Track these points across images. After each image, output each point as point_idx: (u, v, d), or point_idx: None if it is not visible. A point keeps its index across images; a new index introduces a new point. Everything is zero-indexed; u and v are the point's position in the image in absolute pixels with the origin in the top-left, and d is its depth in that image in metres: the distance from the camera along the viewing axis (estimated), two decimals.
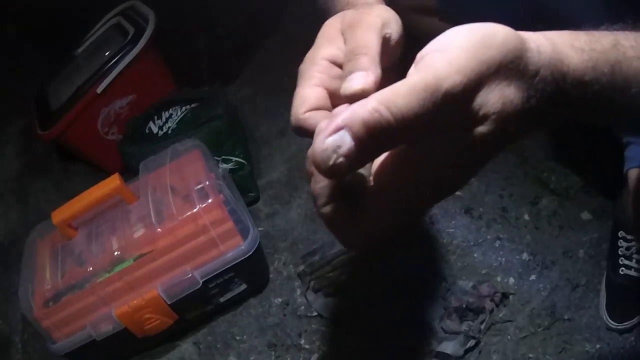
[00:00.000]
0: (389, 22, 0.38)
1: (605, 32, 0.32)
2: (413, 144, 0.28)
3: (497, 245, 0.90)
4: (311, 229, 0.94)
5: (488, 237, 0.90)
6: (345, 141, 0.26)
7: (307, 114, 0.37)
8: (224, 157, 0.92)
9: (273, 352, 0.85)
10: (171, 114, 0.97)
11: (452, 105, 0.26)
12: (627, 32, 0.32)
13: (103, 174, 0.83)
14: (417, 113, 0.25)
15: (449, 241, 0.90)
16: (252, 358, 0.85)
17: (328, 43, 0.39)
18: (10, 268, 1.13)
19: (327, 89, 0.39)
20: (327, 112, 0.38)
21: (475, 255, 0.89)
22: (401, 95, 0.26)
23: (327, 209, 0.30)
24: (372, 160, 0.29)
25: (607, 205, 0.91)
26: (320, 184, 0.30)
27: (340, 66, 0.38)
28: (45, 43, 1.41)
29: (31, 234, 0.95)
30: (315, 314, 0.85)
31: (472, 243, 0.90)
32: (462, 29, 0.29)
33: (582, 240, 0.90)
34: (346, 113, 0.26)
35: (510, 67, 0.28)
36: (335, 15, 0.41)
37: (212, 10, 1.11)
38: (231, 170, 0.92)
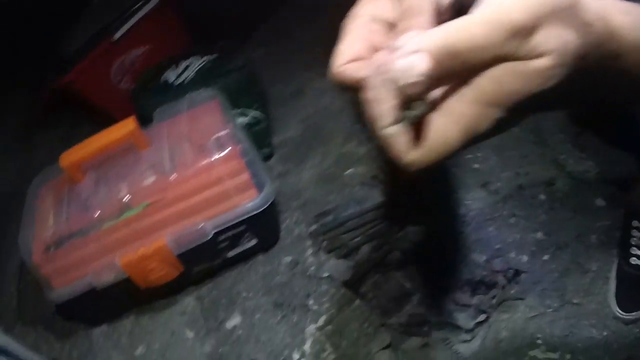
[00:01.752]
0: None
1: None
2: (477, 72, 0.29)
3: (512, 222, 0.89)
4: (324, 190, 0.92)
5: (504, 212, 0.89)
6: (422, 62, 0.28)
7: (345, 66, 0.38)
8: (241, 109, 0.90)
9: (279, 312, 0.83)
10: (188, 65, 0.94)
11: (517, 38, 0.28)
12: None
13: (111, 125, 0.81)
14: (487, 41, 0.28)
15: (464, 212, 0.88)
16: (257, 316, 0.83)
17: (371, 0, 0.40)
18: (10, 218, 1.10)
19: (369, 41, 0.40)
20: (366, 61, 0.39)
21: (489, 229, 0.88)
22: (473, 24, 0.28)
23: (390, 130, 0.31)
24: (442, 84, 0.31)
25: (621, 194, 0.90)
26: (385, 105, 0.31)
27: (382, 23, 0.39)
28: None
29: (35, 179, 0.92)
30: (325, 275, 0.83)
31: (487, 217, 0.88)
32: None
33: (595, 225, 0.90)
34: (422, 37, 0.28)
35: (567, 13, 0.30)
36: None
37: None
38: (247, 125, 0.90)
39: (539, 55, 0.29)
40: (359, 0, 0.41)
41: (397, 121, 0.31)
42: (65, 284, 0.83)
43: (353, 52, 0.39)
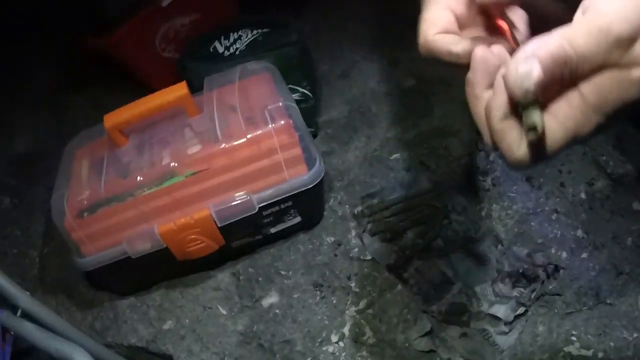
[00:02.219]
0: None
1: None
2: (584, 78, 0.32)
3: (554, 218, 0.88)
4: (369, 173, 0.91)
5: (546, 208, 0.89)
6: (535, 69, 0.31)
7: (438, 36, 0.41)
8: (290, 86, 0.88)
9: (318, 292, 0.81)
10: (240, 36, 0.92)
11: (619, 47, 0.31)
12: None
13: (147, 92, 0.78)
14: (592, 51, 0.31)
15: (509, 205, 0.88)
16: (295, 295, 0.81)
17: None
18: (36, 182, 1.07)
19: (453, 12, 0.42)
20: (456, 36, 0.41)
21: (532, 223, 0.87)
22: (580, 35, 0.31)
23: (504, 124, 0.34)
24: (554, 89, 0.33)
25: None
26: (500, 101, 0.34)
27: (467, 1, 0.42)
28: None
29: (71, 141, 0.89)
30: (368, 257, 0.82)
31: (530, 211, 0.88)
32: None
33: (631, 228, 0.90)
34: (535, 45, 0.31)
35: None
36: None
37: None
38: (296, 101, 0.89)
39: (638, 65, 0.31)
40: None
41: (507, 116, 0.34)
42: (97, 251, 0.81)
43: (442, 23, 0.41)
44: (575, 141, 0.34)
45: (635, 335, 0.83)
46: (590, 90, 0.32)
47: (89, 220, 0.79)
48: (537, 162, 0.34)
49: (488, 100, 0.35)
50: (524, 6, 0.42)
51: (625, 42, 0.30)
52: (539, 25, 0.39)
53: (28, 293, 0.67)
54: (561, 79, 0.32)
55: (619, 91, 0.32)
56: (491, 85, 0.36)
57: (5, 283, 0.63)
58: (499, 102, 0.34)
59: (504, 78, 0.32)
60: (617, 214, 0.91)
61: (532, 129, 0.32)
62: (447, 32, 0.41)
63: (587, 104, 0.32)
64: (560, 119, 0.33)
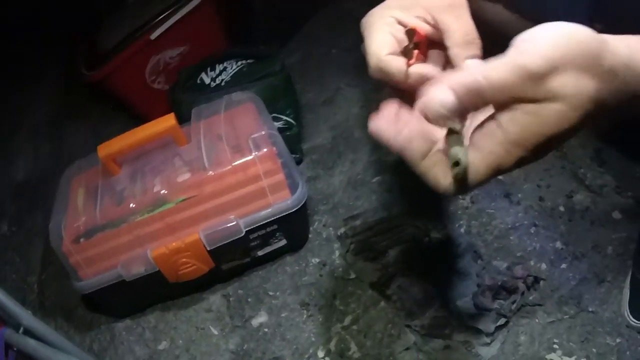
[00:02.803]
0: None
1: None
2: (501, 108, 0.35)
3: (533, 231, 0.91)
4: (353, 196, 0.94)
5: (525, 222, 0.92)
6: (449, 98, 0.34)
7: (390, 57, 0.43)
8: (274, 115, 0.92)
9: (305, 311, 0.84)
10: (225, 67, 0.97)
11: (533, 81, 0.33)
12: None
13: (142, 123, 0.82)
14: (507, 84, 0.33)
15: (488, 221, 0.91)
16: (283, 314, 0.85)
17: (399, 8, 0.45)
18: (36, 207, 1.11)
19: (395, 42, 0.44)
20: (404, 59, 0.44)
21: (511, 237, 0.90)
22: (495, 69, 0.33)
23: (431, 158, 0.37)
24: (468, 113, 0.36)
25: (637, 208, 0.93)
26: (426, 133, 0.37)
27: (402, 27, 0.44)
28: None
29: (68, 169, 0.94)
30: (352, 277, 0.85)
31: (509, 226, 0.91)
32: (549, 25, 0.35)
33: (611, 237, 0.92)
34: (454, 78, 0.35)
35: (588, 62, 0.34)
36: None
37: None
38: (279, 130, 0.93)
39: (553, 100, 0.33)
40: (388, 2, 0.46)
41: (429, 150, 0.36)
42: (94, 275, 0.85)
43: (390, 46, 0.44)
44: (499, 173, 0.36)
45: (618, 340, 0.84)
46: (511, 125, 0.34)
47: (85, 245, 0.83)
48: (462, 193, 0.37)
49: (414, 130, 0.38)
50: (479, 26, 0.45)
51: (537, 77, 0.33)
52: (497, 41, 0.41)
53: (29, 311, 0.71)
54: (476, 107, 0.35)
55: (538, 126, 0.34)
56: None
57: (7, 301, 0.67)
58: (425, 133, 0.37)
59: (422, 104, 0.36)
60: (597, 224, 0.94)
61: (455, 164, 0.35)
62: (394, 54, 0.44)
63: (508, 140, 0.35)
64: (483, 153, 0.36)
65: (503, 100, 0.34)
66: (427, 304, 0.84)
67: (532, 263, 0.88)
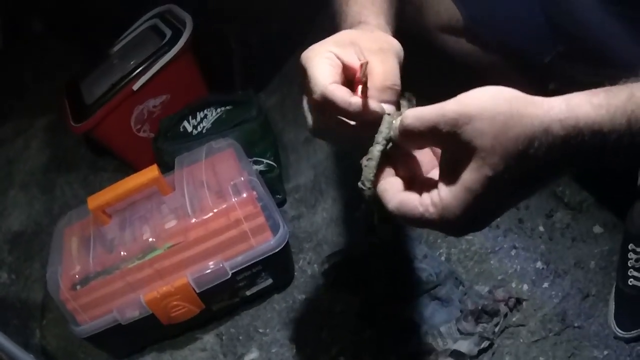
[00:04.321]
0: (401, 52, 0.49)
1: (622, 86, 0.38)
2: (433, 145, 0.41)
3: (513, 254, 0.94)
4: (336, 232, 0.98)
5: (505, 245, 0.94)
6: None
7: (334, 85, 0.45)
8: (255, 158, 0.96)
9: (294, 345, 0.88)
10: (206, 115, 1.01)
11: (450, 125, 0.36)
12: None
13: (130, 171, 0.86)
14: (427, 128, 0.38)
15: (467, 247, 0.94)
16: (273, 350, 0.88)
17: (337, 45, 0.48)
18: (32, 257, 1.16)
19: (336, 75, 0.47)
20: (347, 89, 0.46)
21: (492, 261, 0.93)
22: (427, 114, 0.38)
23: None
24: (411, 149, 0.43)
25: (618, 220, 0.95)
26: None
27: (341, 63, 0.47)
28: (73, 40, 1.45)
29: (60, 221, 0.98)
30: (338, 310, 0.88)
31: (489, 250, 0.93)
32: (487, 87, 0.38)
33: (593, 252, 0.94)
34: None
35: (506, 116, 0.36)
36: (352, 30, 0.53)
37: (245, 19, 1.16)
38: (261, 172, 0.96)
39: (472, 151, 0.36)
40: (326, 40, 0.49)
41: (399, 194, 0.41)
42: (91, 319, 0.88)
43: (334, 76, 0.46)
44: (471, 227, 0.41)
45: (606, 352, 0.86)
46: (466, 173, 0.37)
47: (81, 292, 0.86)
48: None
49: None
50: (443, 59, 0.49)
51: (450, 126, 0.36)
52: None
53: (32, 355, 0.75)
54: (416, 143, 0.41)
55: (476, 172, 0.37)
56: None
57: (10, 346, 0.71)
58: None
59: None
60: (578, 240, 0.96)
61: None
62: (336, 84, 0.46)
63: (464, 185, 0.38)
64: (443, 211, 0.39)
65: (433, 140, 0.39)
66: (412, 331, 0.87)
67: (513, 285, 0.91)
